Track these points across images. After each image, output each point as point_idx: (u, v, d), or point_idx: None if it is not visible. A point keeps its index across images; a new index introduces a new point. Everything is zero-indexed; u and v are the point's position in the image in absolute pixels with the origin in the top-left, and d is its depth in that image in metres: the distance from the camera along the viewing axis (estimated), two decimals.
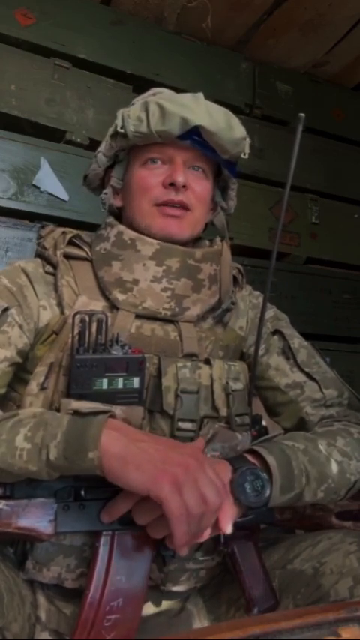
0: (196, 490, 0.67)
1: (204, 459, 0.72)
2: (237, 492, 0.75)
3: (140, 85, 1.92)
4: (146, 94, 0.97)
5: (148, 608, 0.84)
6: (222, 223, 1.01)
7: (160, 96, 0.92)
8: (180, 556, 0.80)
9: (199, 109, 0.86)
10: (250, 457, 0.79)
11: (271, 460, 0.78)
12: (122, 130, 0.89)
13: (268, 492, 0.76)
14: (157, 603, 0.86)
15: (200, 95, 0.89)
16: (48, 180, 1.77)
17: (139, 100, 0.94)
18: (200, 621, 0.86)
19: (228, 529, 0.73)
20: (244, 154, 0.94)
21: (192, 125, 0.85)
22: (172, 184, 0.89)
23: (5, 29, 1.78)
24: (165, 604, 0.86)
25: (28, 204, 1.75)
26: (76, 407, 0.73)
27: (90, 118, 1.89)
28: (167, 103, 0.86)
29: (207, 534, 0.72)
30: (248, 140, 0.93)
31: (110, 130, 0.94)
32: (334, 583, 0.75)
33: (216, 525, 0.72)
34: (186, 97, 0.88)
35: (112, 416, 0.72)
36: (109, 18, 1.98)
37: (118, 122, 0.90)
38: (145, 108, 0.87)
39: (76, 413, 0.72)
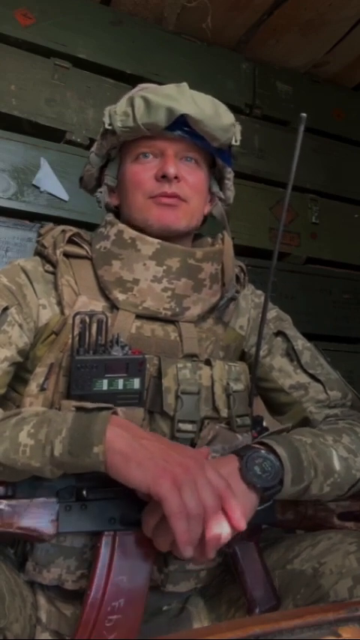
0: (195, 491, 0.67)
1: (205, 462, 0.72)
2: (248, 477, 0.74)
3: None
4: (133, 90, 0.97)
5: (148, 609, 0.84)
6: (221, 214, 1.01)
7: (146, 90, 0.91)
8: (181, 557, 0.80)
9: (184, 99, 0.86)
10: (258, 447, 0.79)
11: (280, 451, 0.77)
12: (110, 127, 0.90)
13: (278, 467, 0.75)
14: (158, 604, 0.86)
15: (185, 85, 0.88)
16: (48, 180, 1.77)
17: (125, 97, 0.94)
18: (201, 622, 0.86)
19: (242, 525, 0.70)
20: (235, 141, 0.93)
21: (178, 114, 0.85)
22: (164, 177, 0.88)
23: (5, 29, 1.78)
24: (165, 604, 0.86)
25: (28, 204, 1.75)
26: (79, 404, 0.73)
27: (90, 118, 1.89)
28: (152, 95, 0.86)
29: (224, 537, 0.70)
30: (238, 127, 0.93)
31: (101, 130, 0.94)
32: (334, 583, 0.74)
33: (230, 525, 0.70)
34: (170, 88, 0.88)
35: (115, 412, 0.73)
36: (109, 18, 1.98)
37: (106, 120, 0.91)
38: (131, 103, 0.88)
39: (81, 409, 0.72)
